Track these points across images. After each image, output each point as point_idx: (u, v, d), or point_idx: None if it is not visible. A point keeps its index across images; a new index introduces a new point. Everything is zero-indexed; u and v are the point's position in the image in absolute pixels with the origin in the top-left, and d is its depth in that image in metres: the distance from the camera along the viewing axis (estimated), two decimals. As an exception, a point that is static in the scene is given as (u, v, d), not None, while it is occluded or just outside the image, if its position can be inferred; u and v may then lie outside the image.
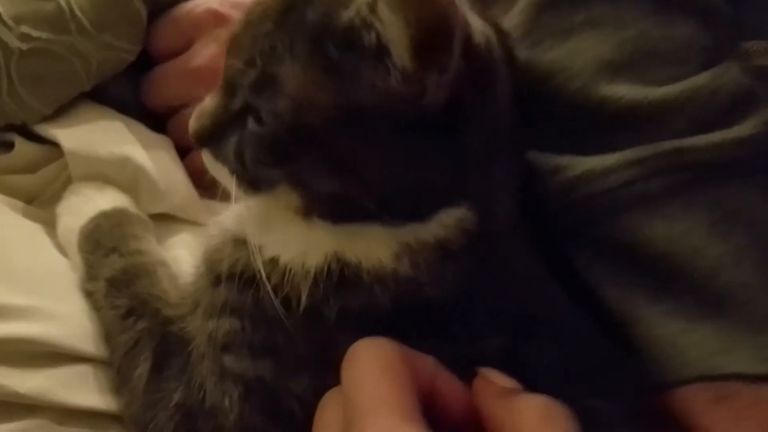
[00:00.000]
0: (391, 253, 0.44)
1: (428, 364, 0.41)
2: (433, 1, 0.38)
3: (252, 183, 0.46)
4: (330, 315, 0.43)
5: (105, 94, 0.69)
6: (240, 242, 0.47)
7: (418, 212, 0.44)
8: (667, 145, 0.46)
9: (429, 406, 0.38)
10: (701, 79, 0.48)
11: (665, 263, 0.46)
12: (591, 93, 0.48)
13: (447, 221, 0.44)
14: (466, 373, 0.41)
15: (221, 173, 0.47)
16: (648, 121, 0.47)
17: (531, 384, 0.40)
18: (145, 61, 0.72)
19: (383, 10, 0.39)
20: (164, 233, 0.62)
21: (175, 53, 0.71)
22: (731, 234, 0.45)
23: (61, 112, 0.64)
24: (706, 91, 0.47)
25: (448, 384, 0.41)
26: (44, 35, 0.62)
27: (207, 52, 0.68)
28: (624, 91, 0.48)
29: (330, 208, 0.44)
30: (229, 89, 0.45)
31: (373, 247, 0.44)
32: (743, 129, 0.46)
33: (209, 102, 0.47)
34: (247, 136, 0.44)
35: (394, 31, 0.39)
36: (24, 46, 0.61)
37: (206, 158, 0.48)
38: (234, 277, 0.46)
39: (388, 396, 0.37)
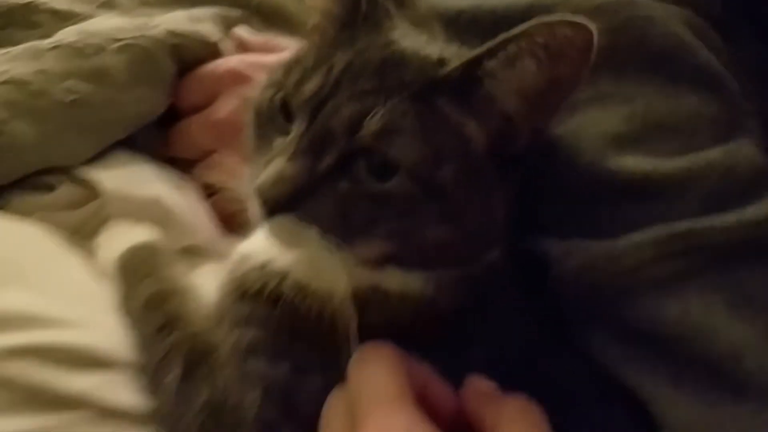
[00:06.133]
0: (422, 283, 0.49)
1: (422, 370, 0.47)
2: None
3: (347, 239, 0.45)
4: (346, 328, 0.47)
5: (136, 142, 0.76)
6: (267, 267, 0.52)
7: (479, 255, 0.48)
8: (681, 226, 0.45)
9: (420, 407, 0.43)
10: (714, 153, 0.46)
11: (682, 346, 0.45)
12: (601, 166, 0.48)
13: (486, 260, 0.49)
14: (456, 380, 0.47)
15: (296, 235, 0.46)
16: (659, 195, 0.46)
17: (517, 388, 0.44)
18: (173, 114, 0.79)
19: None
20: (189, 264, 0.67)
21: (200, 108, 0.76)
22: (755, 317, 0.44)
23: (99, 156, 0.70)
24: (721, 168, 0.46)
25: (438, 388, 0.46)
26: (87, 89, 0.69)
27: (228, 107, 0.72)
28: (634, 163, 0.47)
29: (420, 256, 0.46)
30: (316, 150, 0.45)
31: (408, 280, 0.49)
32: (760, 210, 0.45)
33: (281, 167, 0.44)
34: (354, 194, 0.44)
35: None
36: (68, 98, 0.68)
37: (277, 223, 0.46)
38: (259, 295, 0.51)
39: (392, 389, 0.43)
